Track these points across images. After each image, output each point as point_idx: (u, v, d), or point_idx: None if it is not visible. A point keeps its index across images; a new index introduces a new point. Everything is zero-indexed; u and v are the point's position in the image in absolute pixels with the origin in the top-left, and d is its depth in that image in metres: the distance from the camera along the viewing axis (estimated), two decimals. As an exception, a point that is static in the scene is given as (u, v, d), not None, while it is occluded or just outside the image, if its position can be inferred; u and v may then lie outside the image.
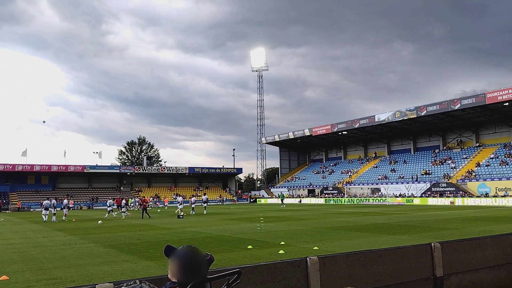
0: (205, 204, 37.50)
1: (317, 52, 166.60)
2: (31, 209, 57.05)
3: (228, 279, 2.51)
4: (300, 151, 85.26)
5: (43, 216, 30.17)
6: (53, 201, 31.85)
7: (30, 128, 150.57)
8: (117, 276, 8.83)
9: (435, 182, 51.57)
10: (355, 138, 72.35)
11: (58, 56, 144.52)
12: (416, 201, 49.53)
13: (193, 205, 37.08)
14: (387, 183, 56.92)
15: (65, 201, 34.12)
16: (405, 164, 61.65)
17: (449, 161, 55.77)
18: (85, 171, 66.64)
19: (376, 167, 65.55)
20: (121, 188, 72.36)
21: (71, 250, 13.52)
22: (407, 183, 54.93)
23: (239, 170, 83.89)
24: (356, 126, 62.57)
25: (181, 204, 33.79)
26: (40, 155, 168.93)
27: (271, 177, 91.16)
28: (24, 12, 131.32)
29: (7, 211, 54.04)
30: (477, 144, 56.89)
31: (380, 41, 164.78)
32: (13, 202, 59.15)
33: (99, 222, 27.11)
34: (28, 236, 18.70)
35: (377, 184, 59.04)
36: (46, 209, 30.55)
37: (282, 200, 54.18)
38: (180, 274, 2.37)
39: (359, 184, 61.75)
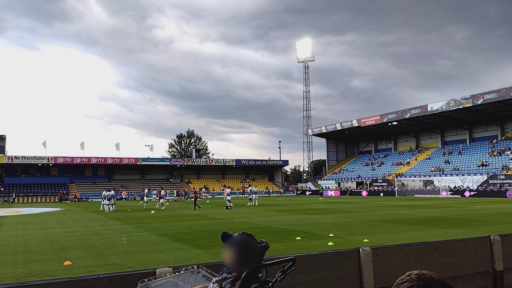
0: (254, 196, 37.66)
1: (364, 39, 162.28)
2: (89, 200, 60.24)
3: (283, 266, 2.56)
4: (348, 142, 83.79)
5: (105, 206, 31.33)
6: (112, 192, 33.30)
7: (84, 123, 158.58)
8: (171, 263, 9.16)
9: (492, 174, 48.95)
10: (406, 129, 70.08)
11: (106, 52, 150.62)
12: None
13: (162, 200, 35.70)
14: (440, 175, 54.76)
15: (146, 191, 35.35)
16: (460, 156, 58.98)
17: (508, 152, 52.64)
18: (138, 163, 69.28)
19: (429, 158, 63.19)
20: (171, 179, 74.59)
21: (127, 238, 14.17)
22: (462, 175, 52.56)
23: (285, 162, 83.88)
24: (407, 116, 60.55)
25: (229, 195, 34.32)
26: (95, 148, 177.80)
27: (318, 169, 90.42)
28: (74, 9, 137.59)
29: (67, 201, 57.43)
30: (540, 134, 53.35)
31: (431, 25, 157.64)
32: (72, 193, 62.72)
33: (152, 212, 28.21)
34: (87, 225, 19.78)
35: (430, 176, 56.93)
36: (109, 199, 31.67)
37: (321, 193, 54.68)
38: (236, 260, 2.44)
39: (410, 176, 59.82)
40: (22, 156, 61.53)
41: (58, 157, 63.62)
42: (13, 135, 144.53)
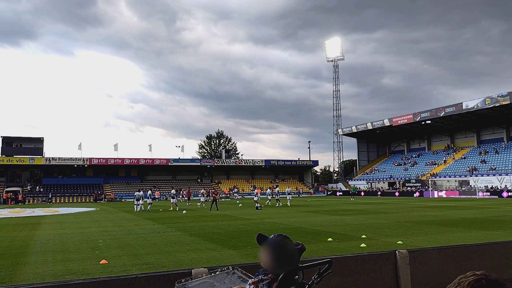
0: (288, 196, 37.83)
1: (395, 36, 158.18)
2: (123, 200, 61.72)
3: (319, 269, 2.54)
4: (380, 142, 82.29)
5: (135, 207, 32.25)
6: (149, 192, 34.71)
7: (116, 124, 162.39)
8: (204, 263, 9.25)
9: (533, 174, 46.98)
10: (440, 128, 68.19)
11: (137, 55, 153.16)
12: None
13: (202, 199, 38.22)
14: (476, 175, 52.97)
15: (203, 191, 37.31)
16: (497, 155, 56.85)
17: (550, 151, 50.40)
18: (169, 164, 70.38)
19: (464, 158, 61.24)
20: (200, 180, 75.34)
21: (161, 237, 14.42)
22: (500, 175, 50.66)
23: (315, 163, 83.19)
24: (441, 115, 58.86)
25: (256, 196, 34.55)
26: (128, 149, 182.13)
27: (348, 170, 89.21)
28: (105, 14, 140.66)
29: (102, 201, 59.05)
30: None
31: (465, 20, 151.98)
32: (107, 193, 64.42)
33: (184, 212, 28.60)
34: (122, 224, 20.26)
35: (465, 176, 55.17)
36: (138, 200, 32.70)
37: (352, 194, 53.31)
38: (272, 262, 2.43)
39: (445, 177, 58.15)
40: (59, 158, 63.69)
41: (93, 158, 65.49)
42: (50, 137, 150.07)
